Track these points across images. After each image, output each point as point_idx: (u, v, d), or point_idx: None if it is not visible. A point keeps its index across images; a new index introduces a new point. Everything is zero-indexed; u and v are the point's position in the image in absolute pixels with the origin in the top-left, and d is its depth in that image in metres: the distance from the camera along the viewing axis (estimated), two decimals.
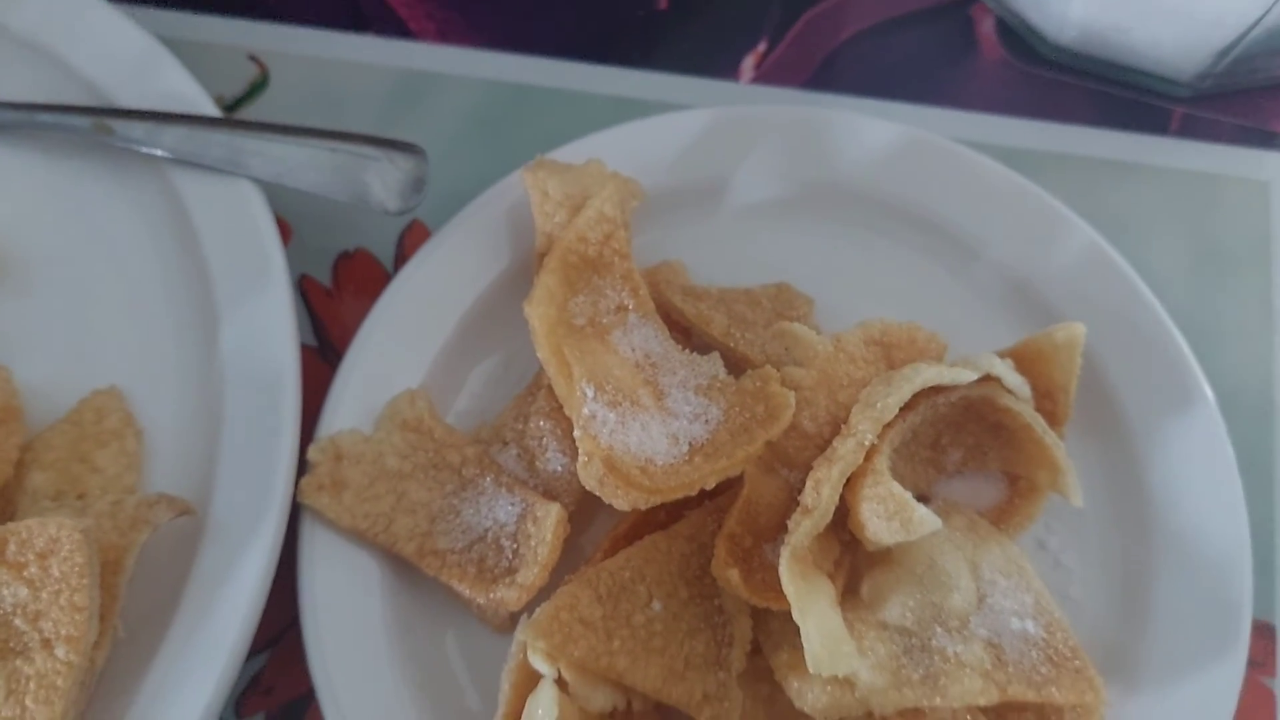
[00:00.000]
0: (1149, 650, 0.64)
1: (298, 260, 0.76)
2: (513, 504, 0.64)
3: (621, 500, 0.57)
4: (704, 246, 0.73)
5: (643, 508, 0.58)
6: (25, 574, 0.58)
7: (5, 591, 0.58)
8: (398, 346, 0.69)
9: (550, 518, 0.61)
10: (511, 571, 0.62)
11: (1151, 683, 0.63)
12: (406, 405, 0.67)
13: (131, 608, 0.62)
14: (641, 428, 0.61)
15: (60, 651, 0.57)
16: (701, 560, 0.63)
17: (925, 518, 0.56)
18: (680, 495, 0.59)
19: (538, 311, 0.64)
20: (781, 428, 0.61)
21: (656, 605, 0.61)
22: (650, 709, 0.62)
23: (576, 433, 0.60)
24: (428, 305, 0.70)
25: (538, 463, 0.66)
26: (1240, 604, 0.63)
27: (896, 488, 0.57)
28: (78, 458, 0.65)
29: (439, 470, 0.66)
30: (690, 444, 0.61)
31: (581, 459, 0.58)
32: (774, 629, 0.63)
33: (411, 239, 0.76)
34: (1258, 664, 0.68)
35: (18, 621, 0.58)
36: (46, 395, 0.67)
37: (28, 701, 0.57)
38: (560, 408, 0.65)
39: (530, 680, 0.59)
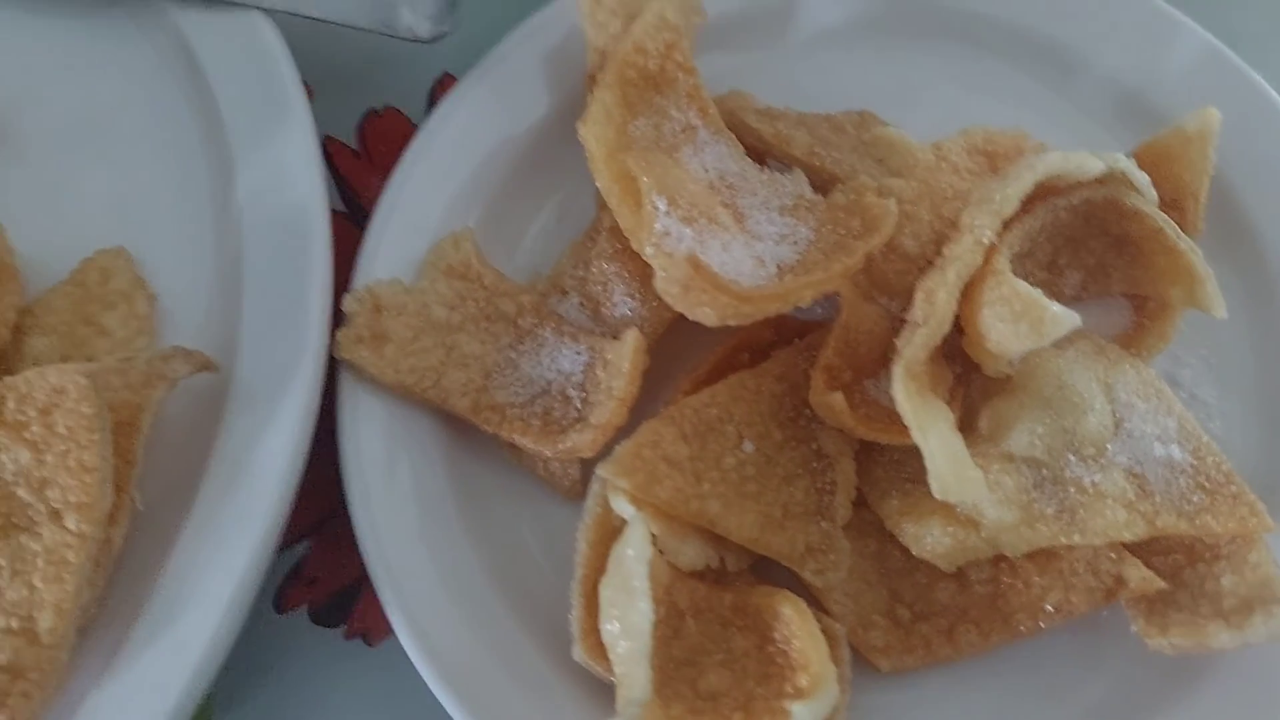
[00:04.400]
0: None
1: (320, 122, 0.68)
2: (578, 353, 0.57)
3: (708, 311, 0.50)
4: (772, 76, 0.65)
5: (732, 322, 0.51)
6: (27, 435, 0.50)
7: (5, 457, 0.51)
8: (436, 193, 0.61)
9: (628, 344, 0.53)
10: (580, 421, 0.55)
11: None
12: (451, 249, 0.59)
13: (151, 481, 0.54)
14: (722, 248, 0.53)
15: (71, 522, 0.50)
16: (794, 401, 0.55)
17: (1060, 315, 0.49)
18: (773, 310, 0.51)
19: (594, 133, 0.56)
20: (883, 238, 0.53)
21: (748, 446, 0.53)
22: (745, 568, 0.54)
23: (648, 251, 0.52)
24: (468, 150, 0.62)
25: (603, 309, 0.59)
26: None
27: (1023, 286, 0.50)
28: (83, 320, 0.57)
29: (492, 321, 0.58)
30: (778, 266, 0.54)
31: (659, 273, 0.51)
32: (878, 476, 0.55)
33: (443, 93, 0.69)
34: None
35: (21, 492, 0.50)
36: (46, 264, 0.60)
37: (36, 581, 0.50)
38: (625, 249, 0.58)
39: (610, 536, 0.52)
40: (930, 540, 0.52)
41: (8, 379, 0.51)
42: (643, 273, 0.58)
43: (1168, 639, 0.51)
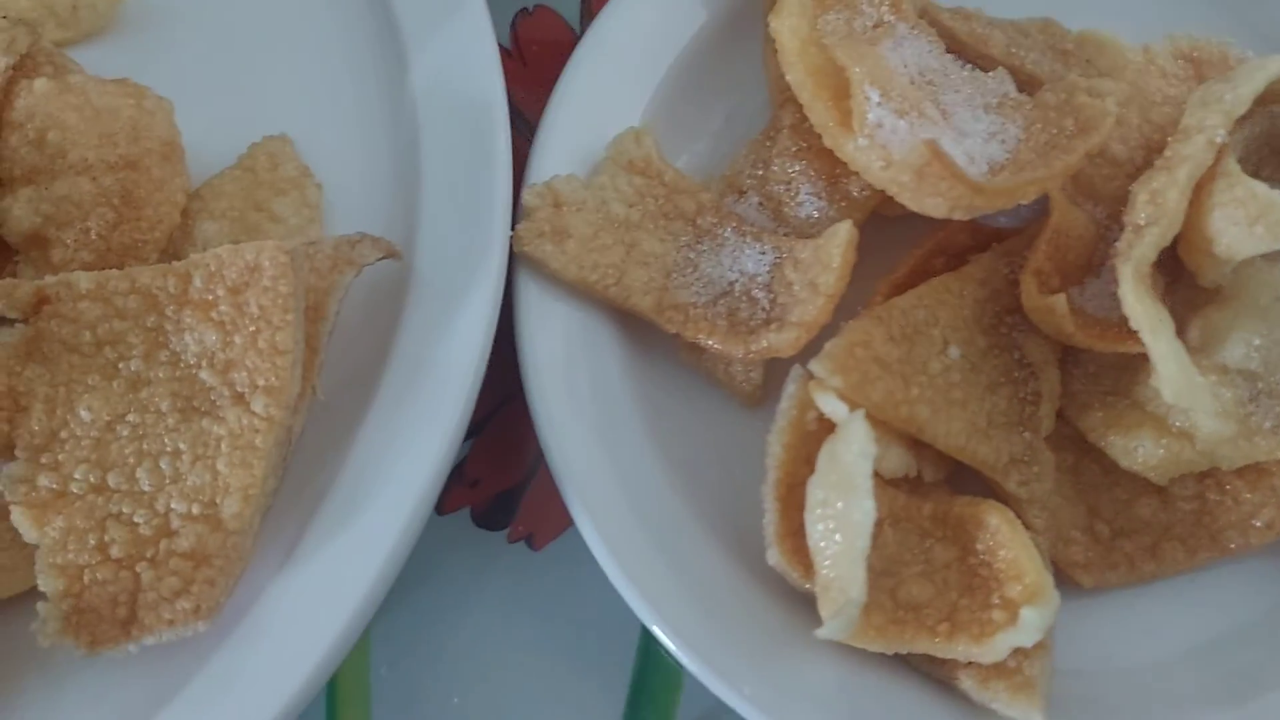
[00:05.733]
0: None
1: None
2: (763, 253, 0.55)
3: (939, 201, 0.48)
4: None
5: (958, 215, 0.49)
6: (213, 314, 0.48)
7: (189, 338, 0.49)
8: (605, 94, 0.59)
9: (840, 237, 0.51)
10: (771, 322, 0.53)
11: None
12: (632, 144, 0.57)
13: (329, 372, 0.52)
14: None
15: (259, 405, 0.48)
16: (995, 308, 0.53)
17: None
18: (1000, 205, 0.50)
19: (787, 25, 0.54)
20: (1102, 138, 0.51)
21: (954, 352, 0.51)
22: (941, 480, 0.53)
23: (860, 143, 0.50)
24: (636, 49, 0.60)
25: (785, 209, 0.57)
26: None
27: (1260, 187, 0.48)
28: (253, 206, 0.55)
29: (670, 220, 0.56)
30: (988, 164, 0.52)
31: (877, 164, 0.49)
32: (1076, 389, 0.53)
33: None
34: None
35: (204, 375, 0.48)
36: (206, 150, 0.57)
37: (220, 466, 0.48)
38: (811, 147, 0.56)
39: (807, 440, 0.50)
40: (1142, 452, 0.50)
41: (194, 256, 0.49)
42: (830, 171, 0.56)
43: None
